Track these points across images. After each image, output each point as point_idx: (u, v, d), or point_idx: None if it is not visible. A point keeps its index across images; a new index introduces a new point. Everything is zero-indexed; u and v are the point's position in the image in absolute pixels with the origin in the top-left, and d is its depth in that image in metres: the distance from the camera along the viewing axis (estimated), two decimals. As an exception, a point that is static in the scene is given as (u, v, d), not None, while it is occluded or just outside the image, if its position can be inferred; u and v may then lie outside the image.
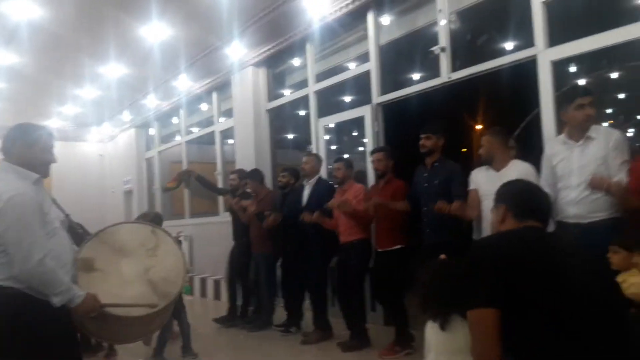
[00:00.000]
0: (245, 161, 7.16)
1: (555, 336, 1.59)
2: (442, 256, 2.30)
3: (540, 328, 1.61)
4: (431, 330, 2.15)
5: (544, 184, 3.19)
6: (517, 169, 3.42)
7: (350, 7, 5.40)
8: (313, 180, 5.06)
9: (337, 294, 4.89)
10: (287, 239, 5.18)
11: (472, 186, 3.68)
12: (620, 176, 2.92)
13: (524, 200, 1.95)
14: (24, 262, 2.12)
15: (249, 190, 5.72)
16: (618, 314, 1.68)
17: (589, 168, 3.00)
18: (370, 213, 4.31)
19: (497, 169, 3.53)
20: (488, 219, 3.31)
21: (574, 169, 3.08)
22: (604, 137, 3.03)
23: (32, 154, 2.34)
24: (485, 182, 3.55)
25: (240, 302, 5.87)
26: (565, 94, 3.27)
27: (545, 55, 3.96)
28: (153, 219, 4.37)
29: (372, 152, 4.62)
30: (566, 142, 3.17)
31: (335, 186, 4.94)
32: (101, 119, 11.03)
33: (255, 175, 5.70)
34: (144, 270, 2.69)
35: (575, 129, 3.13)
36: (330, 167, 5.97)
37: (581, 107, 3.06)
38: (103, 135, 12.20)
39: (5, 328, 2.13)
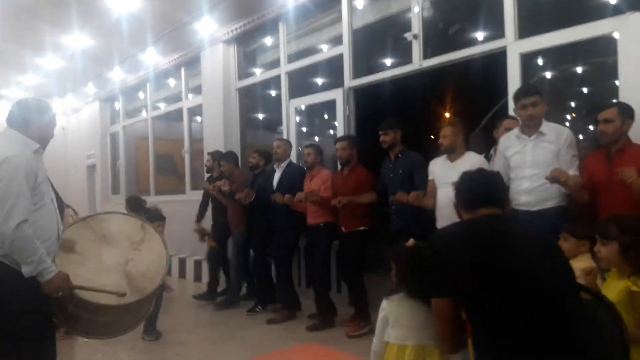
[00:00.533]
0: (214, 140, 7.07)
1: (507, 322, 1.65)
2: (411, 241, 2.34)
3: (493, 315, 1.68)
4: (398, 305, 2.17)
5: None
6: (470, 161, 3.60)
7: (325, -12, 5.35)
8: (284, 164, 5.14)
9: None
10: (256, 220, 5.26)
11: (430, 176, 3.90)
12: (573, 170, 3.12)
13: (467, 191, 2.02)
14: (2, 223, 2.14)
15: (223, 169, 5.74)
16: (570, 300, 1.74)
17: (542, 160, 3.19)
18: (338, 208, 4.41)
19: (452, 160, 3.72)
20: (443, 205, 3.60)
21: (527, 161, 3.27)
22: (556, 134, 3.23)
23: (47, 131, 2.50)
24: (439, 171, 3.78)
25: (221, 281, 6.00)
26: (514, 92, 3.43)
27: (515, 47, 4.02)
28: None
29: (336, 141, 4.73)
30: (520, 137, 3.34)
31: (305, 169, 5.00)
32: (64, 91, 10.64)
33: (230, 157, 5.77)
34: (124, 261, 2.67)
35: (524, 125, 3.33)
36: (301, 149, 5.98)
37: (524, 107, 3.26)
38: (66, 107, 11.78)
39: None
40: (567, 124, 5.97)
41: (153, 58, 7.95)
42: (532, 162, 3.24)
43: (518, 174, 3.31)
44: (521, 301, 1.65)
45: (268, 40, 6.87)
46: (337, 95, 5.53)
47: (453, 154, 3.72)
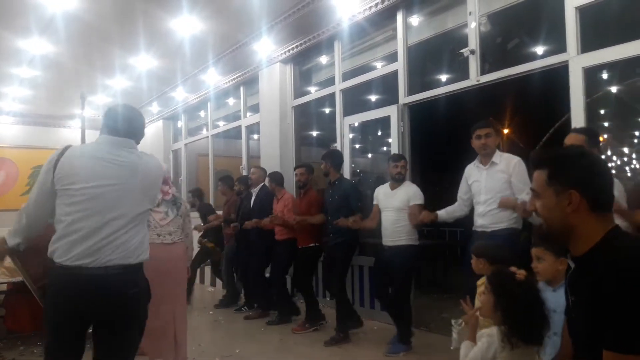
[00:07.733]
0: (270, 156, 7.22)
1: None
2: (522, 273, 2.17)
3: None
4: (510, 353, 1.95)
5: (459, 196, 4.01)
6: (407, 189, 4.37)
7: (380, 6, 5.38)
8: (257, 189, 6.10)
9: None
10: (240, 236, 6.13)
11: (375, 201, 4.61)
12: (524, 195, 3.43)
13: (605, 183, 1.35)
14: None
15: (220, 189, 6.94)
16: None
17: (494, 187, 3.65)
18: (294, 225, 5.18)
19: (393, 188, 4.45)
20: (385, 226, 4.40)
21: (482, 188, 3.72)
22: (506, 163, 3.65)
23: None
24: (383, 197, 4.51)
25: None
26: (473, 126, 3.83)
27: (577, 62, 3.87)
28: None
29: (295, 168, 5.51)
30: (478, 166, 3.82)
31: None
32: (130, 110, 11.19)
33: (227, 180, 6.94)
34: None
35: (481, 155, 3.78)
36: (354, 165, 6.01)
37: (479, 137, 3.73)
38: (132, 125, 12.40)
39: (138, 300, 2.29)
40: (635, 140, 5.65)
41: (214, 78, 8.27)
42: (486, 189, 3.69)
43: (476, 200, 3.78)
44: None
45: (323, 59, 6.98)
46: (391, 111, 5.52)
47: (397, 182, 4.42)
